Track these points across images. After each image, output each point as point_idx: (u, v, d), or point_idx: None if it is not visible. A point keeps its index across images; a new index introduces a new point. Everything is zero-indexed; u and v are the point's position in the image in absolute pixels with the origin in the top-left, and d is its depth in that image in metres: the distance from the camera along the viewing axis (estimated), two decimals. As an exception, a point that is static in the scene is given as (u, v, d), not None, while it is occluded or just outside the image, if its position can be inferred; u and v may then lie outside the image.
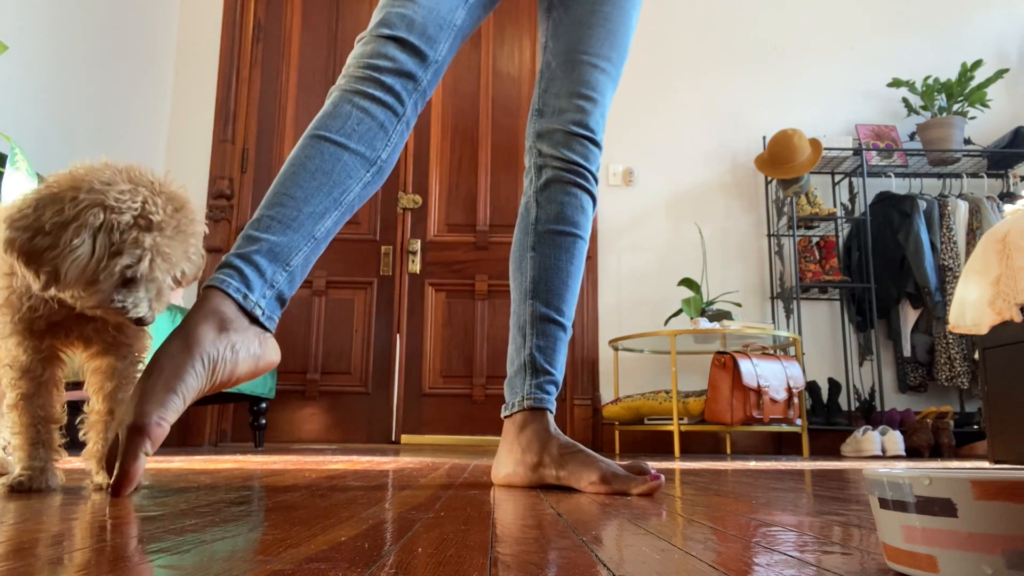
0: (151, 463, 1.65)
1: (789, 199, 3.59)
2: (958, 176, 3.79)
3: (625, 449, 3.50)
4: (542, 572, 0.43)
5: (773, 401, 2.97)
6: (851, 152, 3.68)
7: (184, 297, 3.39)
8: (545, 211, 1.20)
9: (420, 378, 3.68)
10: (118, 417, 0.86)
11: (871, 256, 3.55)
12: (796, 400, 3.06)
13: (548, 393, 1.15)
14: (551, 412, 1.14)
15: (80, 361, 0.96)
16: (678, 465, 2.00)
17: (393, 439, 3.62)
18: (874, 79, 3.96)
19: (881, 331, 3.69)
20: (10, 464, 1.01)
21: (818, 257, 3.71)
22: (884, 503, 0.43)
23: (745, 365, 2.95)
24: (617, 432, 3.41)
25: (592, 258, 3.69)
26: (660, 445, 3.56)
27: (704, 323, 3.18)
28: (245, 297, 0.94)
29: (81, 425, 0.95)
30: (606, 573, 0.43)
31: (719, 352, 3.06)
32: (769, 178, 3.77)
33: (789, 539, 0.59)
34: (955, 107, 3.77)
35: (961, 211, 3.59)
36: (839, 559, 0.49)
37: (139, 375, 0.94)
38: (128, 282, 0.83)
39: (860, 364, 3.68)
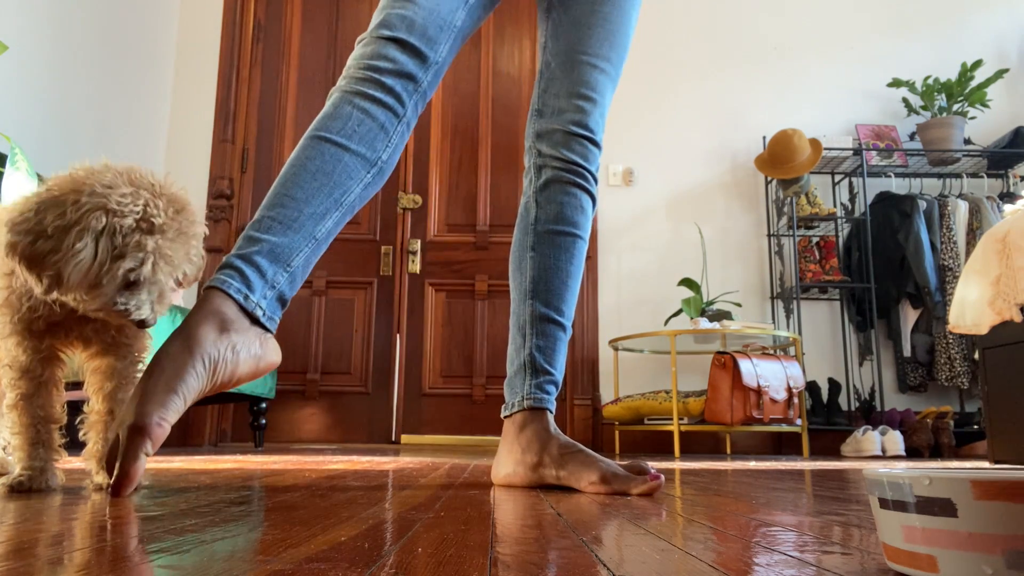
0: (151, 463, 1.65)
1: (789, 199, 3.59)
2: (958, 176, 3.79)
3: (625, 449, 3.50)
4: (542, 572, 0.43)
5: (773, 401, 2.97)
6: (851, 152, 3.68)
7: (184, 297, 3.39)
8: (545, 211, 1.20)
9: (420, 378, 3.68)
10: (119, 417, 0.86)
11: (871, 256, 3.55)
12: (796, 400, 3.06)
13: (548, 393, 1.15)
14: (551, 412, 1.14)
15: (80, 361, 0.97)
16: (678, 465, 2.00)
17: (393, 439, 3.62)
18: (874, 79, 3.96)
19: (881, 331, 3.69)
20: (10, 464, 1.01)
21: (818, 257, 3.71)
22: (884, 503, 0.43)
23: (745, 365, 2.95)
24: (617, 432, 3.41)
25: (592, 258, 3.69)
26: (660, 445, 3.56)
27: (704, 323, 3.18)
28: (246, 298, 0.94)
29: (81, 425, 0.95)
30: (606, 573, 0.43)
31: (719, 352, 3.06)
32: (769, 178, 3.77)
33: (789, 539, 0.59)
34: (955, 107, 3.77)
35: (961, 211, 3.59)
36: (839, 559, 0.49)
37: (139, 375, 0.94)
38: (131, 285, 0.83)
39: (860, 364, 3.68)
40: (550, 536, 0.59)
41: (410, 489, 1.02)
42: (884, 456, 3.12)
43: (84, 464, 0.95)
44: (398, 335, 3.71)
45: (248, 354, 0.93)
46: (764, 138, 3.78)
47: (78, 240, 0.78)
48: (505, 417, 1.16)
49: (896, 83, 3.76)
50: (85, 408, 0.95)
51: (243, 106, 3.81)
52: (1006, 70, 3.80)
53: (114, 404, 0.94)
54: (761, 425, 2.97)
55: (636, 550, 0.52)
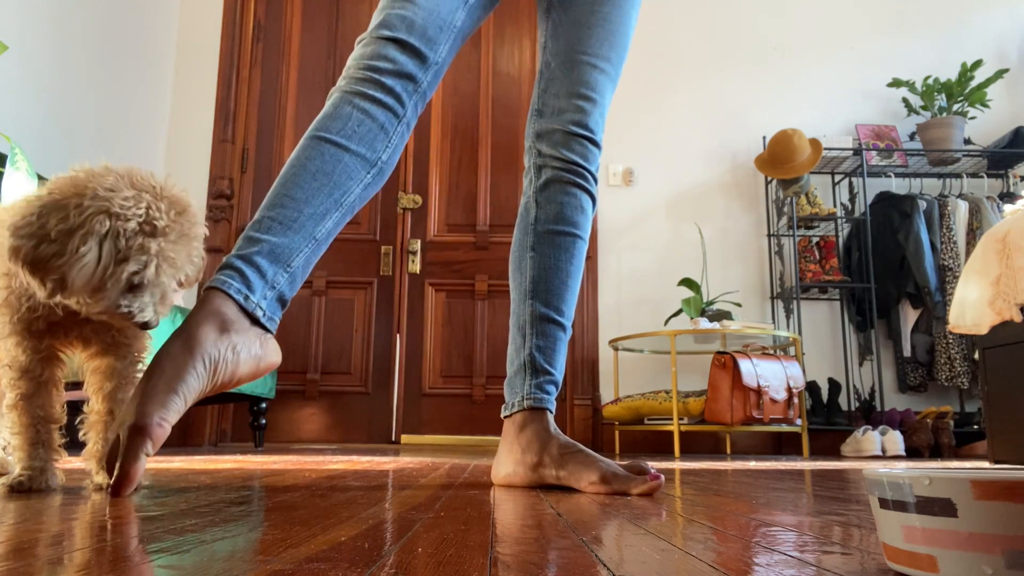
0: (151, 463, 1.65)
1: (789, 199, 3.59)
2: (958, 176, 3.79)
3: (625, 449, 3.50)
4: (542, 572, 0.43)
5: (773, 401, 2.97)
6: (851, 152, 3.68)
7: (185, 298, 3.39)
8: (544, 211, 1.20)
9: (420, 378, 3.68)
10: (119, 417, 0.86)
11: (871, 256, 3.55)
12: (796, 400, 3.06)
13: (548, 393, 1.15)
14: (551, 412, 1.14)
15: (80, 361, 0.97)
16: (678, 465, 2.00)
17: (393, 439, 3.62)
18: (874, 79, 3.96)
19: (881, 331, 3.69)
20: (10, 464, 1.01)
21: (818, 257, 3.71)
22: (884, 503, 0.43)
23: (745, 365, 2.95)
24: (617, 432, 3.41)
25: (592, 258, 3.69)
26: (660, 445, 3.56)
27: (704, 323, 3.18)
28: (246, 298, 0.94)
29: (81, 425, 0.95)
30: (606, 573, 0.43)
31: (719, 352, 3.06)
32: (769, 178, 3.77)
33: (789, 539, 0.59)
34: (955, 107, 3.77)
35: (961, 211, 3.59)
36: (839, 559, 0.49)
37: (139, 375, 0.94)
38: (134, 288, 0.83)
39: (860, 364, 3.68)
40: (550, 536, 0.59)
41: (410, 489, 1.02)
42: (884, 456, 3.12)
43: (84, 464, 0.95)
44: (398, 335, 3.71)
45: (248, 354, 0.93)
46: (764, 138, 3.78)
47: (82, 244, 0.78)
48: (505, 417, 1.16)
49: (896, 83, 3.76)
50: (85, 408, 0.95)
51: (243, 106, 3.81)
52: (1006, 70, 3.80)
53: (114, 404, 0.94)
54: (761, 425, 2.97)
55: (636, 550, 0.52)
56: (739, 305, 3.62)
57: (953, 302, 2.38)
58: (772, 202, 3.81)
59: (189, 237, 0.87)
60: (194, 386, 0.87)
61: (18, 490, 0.87)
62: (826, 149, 3.62)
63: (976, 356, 2.99)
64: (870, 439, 3.15)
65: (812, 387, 3.55)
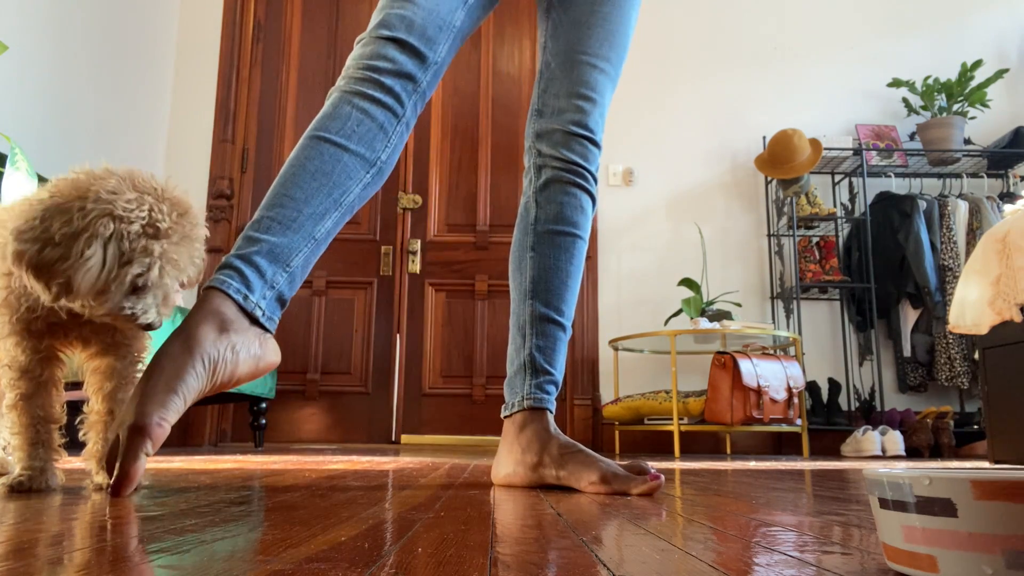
0: (151, 463, 1.65)
1: (789, 199, 3.59)
2: (958, 176, 3.79)
3: (625, 449, 3.50)
4: (542, 572, 0.43)
5: (773, 401, 2.97)
6: (851, 152, 3.68)
7: (185, 298, 3.39)
8: (544, 211, 1.20)
9: (420, 378, 3.68)
10: (119, 417, 0.86)
11: (871, 256, 3.55)
12: (796, 400, 3.06)
13: (548, 393, 1.15)
14: (551, 412, 1.14)
15: (79, 361, 0.97)
16: (678, 465, 2.00)
17: (393, 439, 3.62)
18: (874, 79, 3.96)
19: (881, 331, 3.69)
20: (10, 464, 1.01)
21: (818, 257, 3.71)
22: (884, 503, 0.43)
23: (745, 365, 2.95)
24: (617, 432, 3.41)
25: (592, 258, 3.69)
26: (660, 445, 3.56)
27: (704, 323, 3.18)
28: (245, 298, 0.94)
29: (81, 425, 0.95)
30: (606, 573, 0.43)
31: (719, 352, 3.06)
32: (769, 178, 3.77)
33: (789, 539, 0.59)
34: (955, 107, 3.77)
35: (961, 211, 3.59)
36: (839, 559, 0.49)
37: (139, 375, 0.94)
38: (137, 289, 0.83)
39: (860, 364, 3.68)
40: (550, 536, 0.59)
41: (410, 489, 1.02)
42: (884, 456, 3.12)
43: (84, 464, 0.95)
44: (398, 335, 3.71)
45: (248, 354, 0.93)
46: (764, 138, 3.78)
47: (87, 247, 0.78)
48: (505, 417, 1.16)
49: (896, 83, 3.76)
50: (85, 408, 0.95)
51: (243, 106, 3.81)
52: (1006, 70, 3.80)
53: (114, 404, 0.94)
54: (761, 425, 2.97)
55: (636, 550, 0.52)
56: (739, 305, 3.62)
57: (953, 302, 2.38)
58: (772, 202, 3.81)
59: (191, 238, 0.87)
60: (193, 386, 0.87)
61: (18, 490, 0.87)
62: (826, 149, 3.62)
63: (976, 356, 2.99)
64: (870, 439, 3.15)
65: (812, 387, 3.55)
